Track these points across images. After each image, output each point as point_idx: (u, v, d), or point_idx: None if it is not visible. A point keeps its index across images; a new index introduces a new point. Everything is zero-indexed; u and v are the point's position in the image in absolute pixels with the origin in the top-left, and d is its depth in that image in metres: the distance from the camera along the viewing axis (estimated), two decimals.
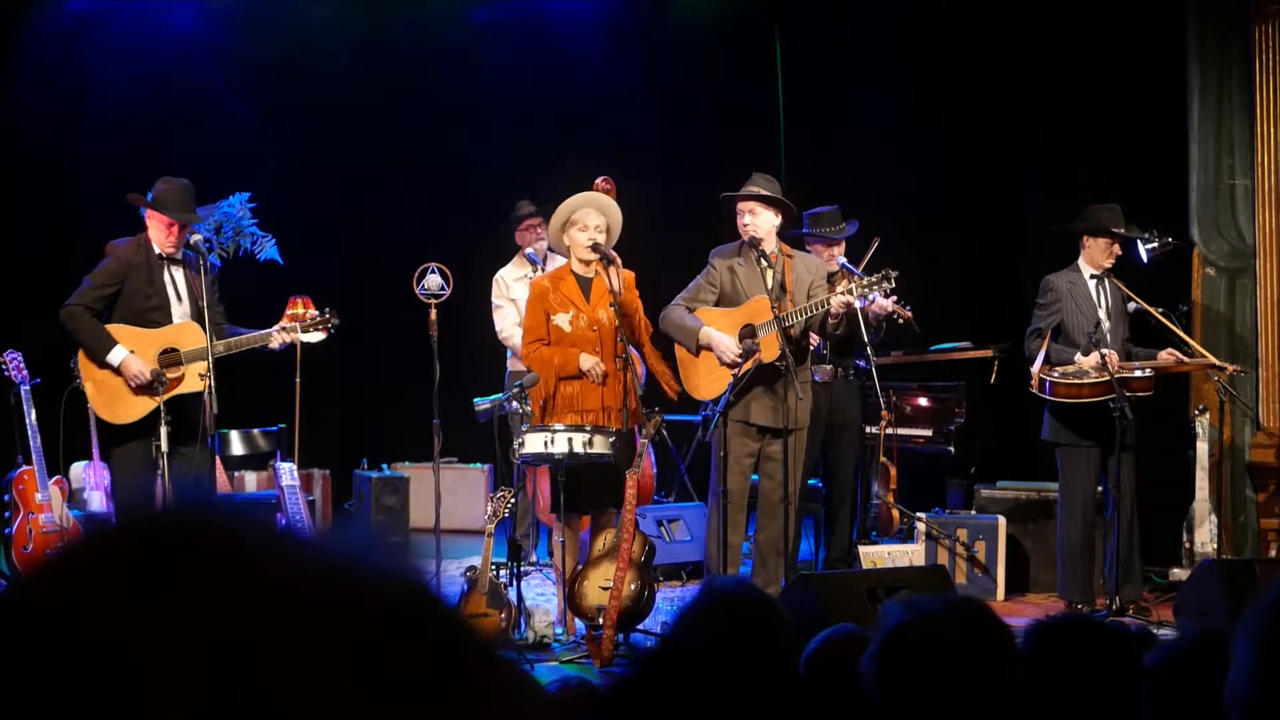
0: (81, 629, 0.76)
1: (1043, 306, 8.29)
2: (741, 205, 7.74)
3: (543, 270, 8.76)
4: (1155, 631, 7.25)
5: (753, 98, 11.57)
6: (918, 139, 11.01)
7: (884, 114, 11.27)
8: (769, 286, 7.64)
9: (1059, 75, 10.27)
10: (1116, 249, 8.26)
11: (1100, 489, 8.21)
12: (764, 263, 7.67)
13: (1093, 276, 8.26)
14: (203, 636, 0.75)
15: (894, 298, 8.18)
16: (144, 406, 7.33)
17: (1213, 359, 8.37)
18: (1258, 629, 1.94)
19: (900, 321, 8.37)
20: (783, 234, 8.01)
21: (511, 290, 9.10)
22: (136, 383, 7.30)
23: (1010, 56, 10.57)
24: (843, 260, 8.53)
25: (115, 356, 7.31)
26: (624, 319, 7.27)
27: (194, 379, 7.38)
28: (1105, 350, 7.96)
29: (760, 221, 7.72)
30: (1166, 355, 8.17)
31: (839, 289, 7.84)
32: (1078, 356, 8.07)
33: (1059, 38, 10.21)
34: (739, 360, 7.49)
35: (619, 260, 7.35)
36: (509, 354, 9.22)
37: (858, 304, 7.75)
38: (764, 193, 7.75)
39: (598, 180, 7.68)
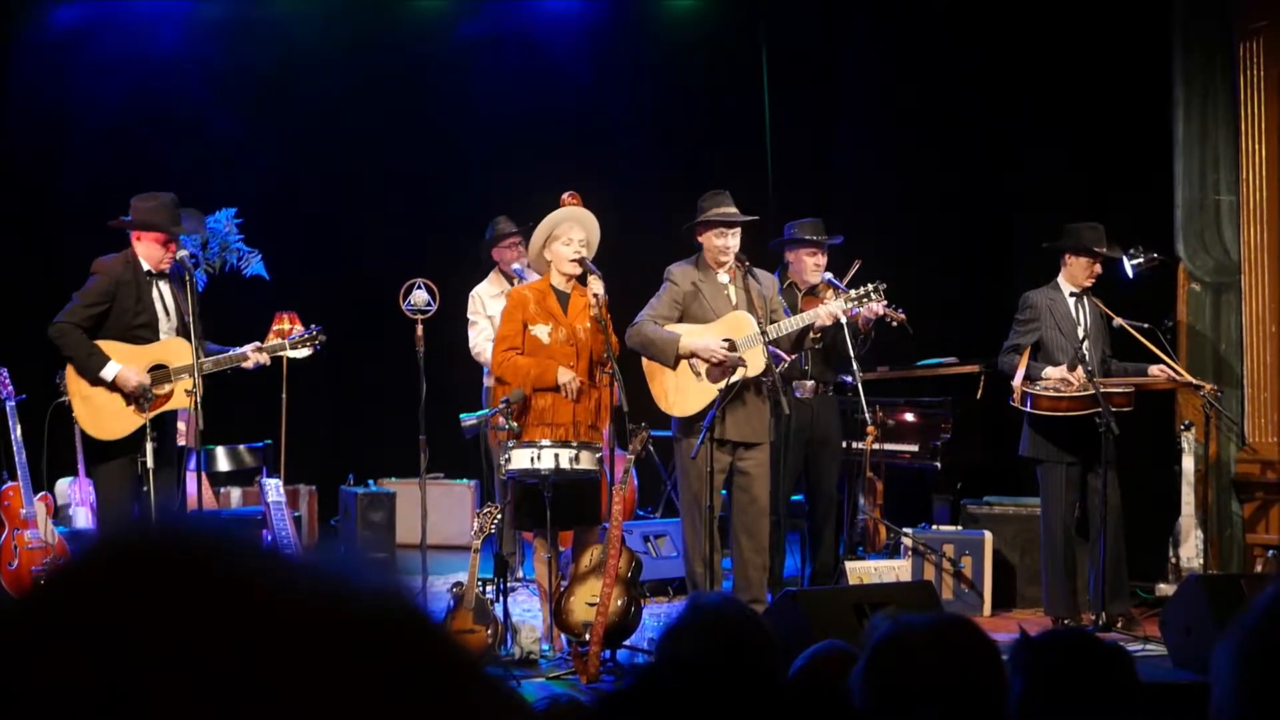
0: (78, 645, 0.76)
1: (1021, 323, 8.30)
2: (728, 228, 7.72)
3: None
4: (1142, 647, 7.30)
5: (739, 110, 11.59)
6: (905, 153, 11.03)
7: (870, 127, 11.29)
8: (737, 303, 7.64)
9: (1045, 91, 10.30)
10: (1097, 268, 8.26)
11: (1079, 505, 8.22)
12: (751, 278, 7.67)
13: (1072, 294, 8.27)
14: (195, 651, 0.75)
15: (884, 301, 8.19)
16: (131, 423, 7.33)
17: (1189, 377, 8.38)
18: (1243, 645, 1.94)
19: (894, 324, 8.35)
20: (767, 244, 7.98)
21: (488, 307, 9.11)
22: (136, 391, 7.29)
23: (997, 73, 10.60)
24: (828, 275, 8.53)
25: (109, 372, 7.31)
26: (605, 331, 7.28)
27: (182, 395, 7.38)
28: (1066, 372, 7.97)
29: (737, 241, 7.72)
30: (1157, 371, 8.17)
31: (825, 302, 7.85)
32: (1047, 370, 8.08)
33: (1046, 54, 10.24)
34: (728, 358, 7.45)
35: (599, 273, 7.37)
36: (485, 370, 9.24)
37: (843, 317, 7.75)
38: (742, 217, 7.75)
39: (564, 195, 7.67)
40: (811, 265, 8.56)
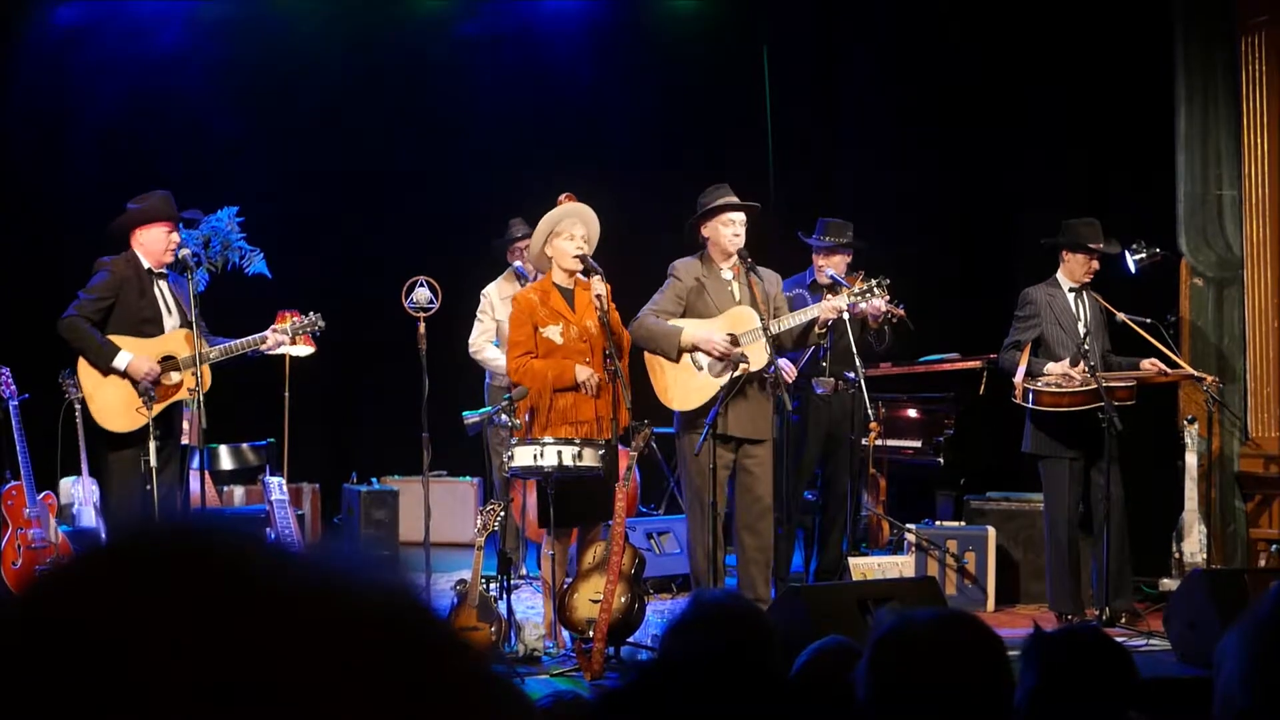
0: (83, 642, 0.76)
1: (1021, 319, 8.31)
2: (734, 216, 7.72)
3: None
4: (1145, 642, 7.30)
5: (740, 110, 11.58)
6: (906, 150, 11.03)
7: (872, 125, 11.29)
8: (740, 298, 7.64)
9: (1047, 86, 10.30)
10: (1095, 263, 8.28)
11: (1083, 500, 8.22)
12: (754, 275, 7.67)
13: (1071, 289, 8.28)
14: (201, 648, 0.75)
15: (887, 297, 8.19)
16: (142, 417, 7.37)
17: (1191, 370, 8.38)
18: (1254, 638, 1.94)
19: (893, 320, 8.37)
20: (769, 240, 7.96)
21: (496, 310, 9.09)
22: (148, 379, 7.35)
23: (997, 71, 10.60)
24: (831, 272, 8.54)
25: (121, 361, 7.42)
26: (607, 329, 7.27)
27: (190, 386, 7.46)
28: (1067, 368, 7.97)
29: (744, 233, 7.73)
30: (1148, 365, 8.19)
31: (829, 298, 7.86)
32: (1049, 366, 8.09)
33: (1046, 50, 10.24)
34: (730, 352, 7.45)
35: (602, 271, 7.36)
36: (488, 371, 9.23)
37: (846, 312, 7.75)
38: (742, 202, 7.76)
39: (560, 197, 7.68)
40: (827, 262, 8.63)
